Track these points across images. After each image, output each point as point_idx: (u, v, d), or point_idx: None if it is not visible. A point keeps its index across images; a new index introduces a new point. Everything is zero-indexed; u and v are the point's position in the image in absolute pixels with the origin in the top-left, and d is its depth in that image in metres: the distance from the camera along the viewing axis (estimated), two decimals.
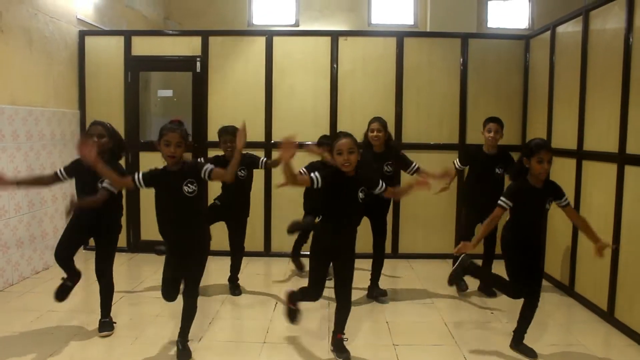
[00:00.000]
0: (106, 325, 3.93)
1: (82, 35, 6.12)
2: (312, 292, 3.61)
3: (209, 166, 3.41)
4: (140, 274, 5.47)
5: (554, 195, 3.59)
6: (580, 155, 4.77)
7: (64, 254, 3.89)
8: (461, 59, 6.05)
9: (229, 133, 4.54)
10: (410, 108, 6.06)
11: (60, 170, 3.81)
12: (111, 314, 4.00)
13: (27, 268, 5.21)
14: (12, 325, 4.02)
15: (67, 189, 5.85)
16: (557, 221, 5.19)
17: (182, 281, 3.59)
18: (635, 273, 3.94)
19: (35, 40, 5.30)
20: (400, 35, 6.05)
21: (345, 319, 3.58)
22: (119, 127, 6.02)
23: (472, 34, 6.17)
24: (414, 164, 4.72)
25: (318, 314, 4.32)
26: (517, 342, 3.72)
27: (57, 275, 5.20)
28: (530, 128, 5.97)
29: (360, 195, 3.43)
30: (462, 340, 3.90)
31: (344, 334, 3.59)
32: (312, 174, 3.39)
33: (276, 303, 4.62)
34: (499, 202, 3.58)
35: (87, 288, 4.97)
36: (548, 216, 5.32)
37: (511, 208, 3.58)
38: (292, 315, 3.70)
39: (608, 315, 4.25)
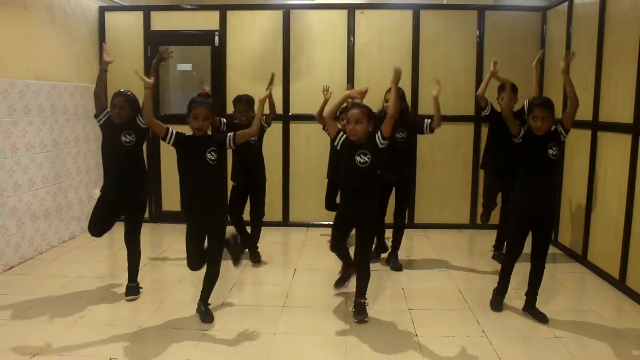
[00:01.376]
0: (133, 289, 4.11)
1: (102, 11, 6.22)
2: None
3: (230, 134, 3.58)
4: (162, 243, 5.64)
5: (555, 139, 3.70)
6: (595, 126, 4.81)
7: (96, 233, 4.11)
8: (477, 31, 6.06)
9: (242, 102, 4.75)
10: (426, 80, 6.09)
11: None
12: (137, 279, 4.19)
13: (55, 237, 5.40)
14: (44, 289, 4.22)
15: (91, 162, 6.02)
16: (571, 191, 5.26)
17: (204, 249, 3.74)
18: None
19: (57, 16, 5.41)
20: (417, 8, 6.06)
21: (363, 285, 3.73)
22: (139, 100, 6.18)
23: (489, 5, 6.14)
24: (426, 122, 4.72)
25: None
26: (529, 306, 3.84)
27: (84, 243, 5.46)
28: None
29: (358, 159, 3.55)
30: (476, 305, 4.02)
31: (365, 299, 3.74)
32: (340, 132, 3.65)
33: (295, 270, 4.77)
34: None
35: (113, 256, 5.17)
36: (562, 186, 5.44)
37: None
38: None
39: (620, 283, 4.34)
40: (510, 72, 6.03)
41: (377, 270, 4.80)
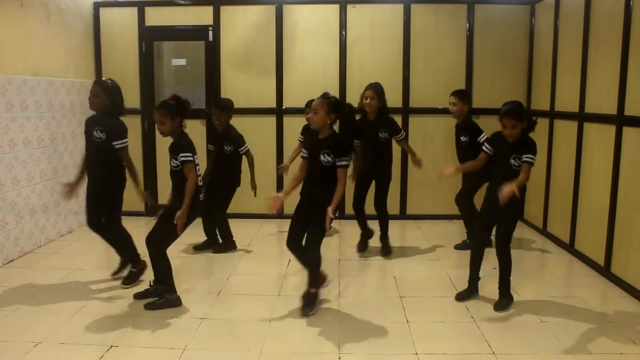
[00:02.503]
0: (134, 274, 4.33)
1: (97, 7, 6.30)
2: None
3: (183, 158, 3.69)
4: None
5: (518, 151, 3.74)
6: (581, 117, 4.92)
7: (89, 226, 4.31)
8: (467, 25, 6.16)
9: (218, 107, 4.92)
10: (417, 73, 6.21)
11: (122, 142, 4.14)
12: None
13: (53, 231, 5.49)
14: (44, 281, 4.33)
15: None
16: (558, 182, 5.38)
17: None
18: (631, 229, 4.14)
19: (53, 12, 5.48)
20: (407, 2, 6.15)
21: (309, 272, 3.85)
22: (135, 96, 6.31)
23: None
24: (402, 133, 4.97)
25: (329, 271, 4.58)
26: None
27: (82, 237, 5.55)
28: (535, 92, 6.11)
29: (322, 157, 3.65)
30: (462, 287, 4.13)
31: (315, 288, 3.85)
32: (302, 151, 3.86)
33: (289, 260, 4.87)
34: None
35: (111, 249, 5.25)
36: (550, 177, 5.56)
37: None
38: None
39: (605, 270, 4.47)
40: (500, 64, 6.20)
41: (370, 259, 4.93)
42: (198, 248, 5.13)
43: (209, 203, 4.56)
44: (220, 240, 5.15)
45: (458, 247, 5.24)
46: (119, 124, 4.14)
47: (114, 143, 4.06)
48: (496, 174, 3.80)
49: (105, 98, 4.05)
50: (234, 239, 5.20)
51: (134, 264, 4.31)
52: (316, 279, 3.85)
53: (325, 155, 3.64)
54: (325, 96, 3.69)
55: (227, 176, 5.04)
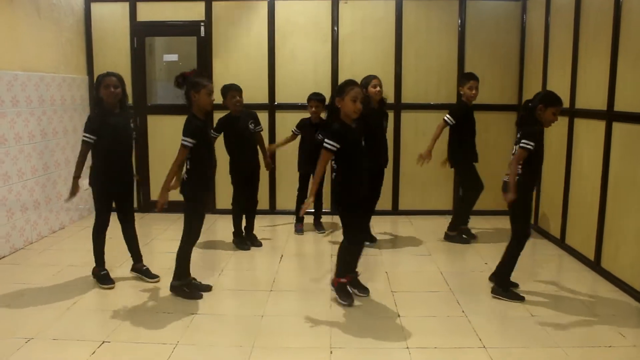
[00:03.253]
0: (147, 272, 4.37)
1: (88, 2, 6.27)
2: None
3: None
4: (150, 232, 5.72)
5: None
6: (572, 113, 4.95)
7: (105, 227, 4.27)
8: (459, 20, 6.18)
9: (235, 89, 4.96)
10: (409, 69, 6.22)
11: (86, 136, 4.09)
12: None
13: (45, 227, 5.48)
14: (36, 278, 4.32)
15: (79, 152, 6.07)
16: (550, 177, 5.41)
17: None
18: (620, 224, 4.17)
19: (43, 8, 5.45)
20: None
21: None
22: (127, 91, 6.25)
23: None
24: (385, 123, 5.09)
25: (322, 268, 4.60)
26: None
27: (74, 233, 5.54)
28: (526, 88, 6.13)
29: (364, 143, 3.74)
30: (456, 287, 4.17)
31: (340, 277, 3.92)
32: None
33: (282, 255, 4.89)
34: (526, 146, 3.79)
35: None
36: (542, 172, 5.60)
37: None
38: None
39: (595, 265, 4.50)
40: (492, 60, 6.22)
41: (363, 255, 4.94)
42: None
43: None
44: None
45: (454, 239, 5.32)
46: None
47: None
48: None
49: (121, 90, 4.10)
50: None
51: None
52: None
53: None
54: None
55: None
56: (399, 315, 3.65)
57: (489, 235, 5.59)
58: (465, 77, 5.16)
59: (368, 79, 4.79)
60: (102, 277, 4.16)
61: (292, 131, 5.51)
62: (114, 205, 4.26)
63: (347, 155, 3.63)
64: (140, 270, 4.33)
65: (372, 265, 4.71)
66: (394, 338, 3.33)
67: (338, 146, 3.58)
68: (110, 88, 4.00)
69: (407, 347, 3.21)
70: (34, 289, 4.09)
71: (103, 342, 3.25)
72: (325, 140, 3.63)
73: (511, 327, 3.52)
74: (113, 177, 4.10)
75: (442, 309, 3.78)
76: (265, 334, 3.39)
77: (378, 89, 4.80)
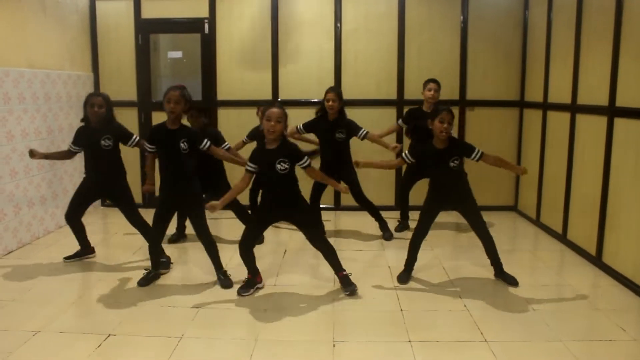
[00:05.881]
0: (164, 264, 4.40)
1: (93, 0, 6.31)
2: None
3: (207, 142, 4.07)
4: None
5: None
6: (574, 108, 4.97)
7: (72, 215, 4.53)
8: (461, 16, 6.19)
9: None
10: (411, 65, 6.25)
11: (71, 146, 4.43)
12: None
13: (52, 223, 5.53)
14: (42, 272, 4.38)
15: None
16: (551, 172, 5.44)
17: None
18: (622, 219, 4.19)
19: (49, 5, 5.49)
20: None
21: (334, 259, 3.98)
22: (132, 88, 6.37)
23: None
24: (362, 130, 5.03)
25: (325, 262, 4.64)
26: (498, 272, 4.23)
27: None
28: (528, 84, 6.15)
29: (278, 166, 3.71)
30: (458, 280, 4.23)
31: (344, 270, 3.98)
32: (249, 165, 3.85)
33: (285, 250, 4.93)
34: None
35: (109, 240, 5.32)
36: (544, 166, 5.62)
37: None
38: None
39: (597, 260, 4.53)
40: (494, 55, 6.24)
41: (363, 250, 5.00)
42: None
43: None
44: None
45: None
46: (123, 127, 4.43)
47: (129, 144, 4.41)
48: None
49: (107, 109, 4.29)
50: None
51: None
52: (338, 263, 3.99)
53: (280, 164, 3.72)
54: (280, 105, 3.80)
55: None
56: (401, 310, 3.68)
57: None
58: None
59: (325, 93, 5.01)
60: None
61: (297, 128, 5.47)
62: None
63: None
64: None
65: (375, 260, 4.75)
66: (396, 332, 3.37)
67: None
68: (94, 107, 4.23)
69: (409, 341, 3.24)
70: (40, 283, 4.15)
71: (109, 335, 3.30)
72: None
73: (513, 321, 3.55)
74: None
75: (444, 303, 3.81)
76: (268, 328, 3.43)
77: (330, 103, 4.94)
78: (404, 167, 5.38)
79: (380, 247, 5.08)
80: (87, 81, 6.26)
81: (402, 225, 5.63)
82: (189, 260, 4.73)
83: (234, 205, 4.94)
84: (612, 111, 4.31)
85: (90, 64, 6.36)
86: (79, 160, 5.95)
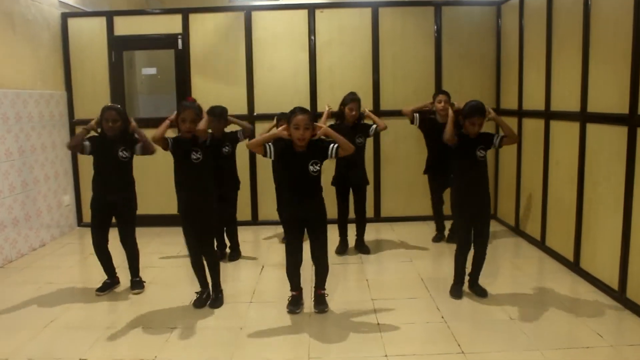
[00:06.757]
0: (137, 283, 4.36)
1: (65, 17, 6.24)
2: (291, 259, 3.89)
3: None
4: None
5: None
6: (548, 115, 4.99)
7: (100, 242, 4.31)
8: (435, 27, 6.22)
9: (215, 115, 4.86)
10: (386, 76, 6.25)
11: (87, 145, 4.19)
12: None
13: (25, 245, 5.43)
14: (14, 297, 4.27)
15: (59, 169, 6.06)
16: (528, 180, 5.45)
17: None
18: (597, 225, 4.20)
19: (18, 24, 5.42)
20: (375, 6, 6.19)
21: (324, 278, 3.89)
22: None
23: (445, 1, 6.29)
24: (372, 126, 5.01)
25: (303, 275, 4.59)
26: (472, 284, 4.17)
27: (54, 250, 5.50)
28: (503, 92, 6.18)
29: (311, 168, 3.66)
30: (436, 293, 4.18)
31: (324, 290, 3.91)
32: (266, 145, 3.67)
33: (262, 266, 4.88)
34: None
35: (84, 261, 5.25)
36: (520, 176, 5.64)
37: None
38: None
39: (574, 266, 4.53)
40: (468, 65, 6.26)
41: (343, 263, 4.96)
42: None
43: (221, 211, 4.55)
44: (228, 249, 5.24)
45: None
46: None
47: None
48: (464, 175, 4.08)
49: (121, 123, 4.16)
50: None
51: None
52: (324, 282, 3.93)
53: (313, 165, 3.67)
54: (305, 110, 3.70)
55: (232, 178, 5.11)
56: (378, 323, 3.64)
57: None
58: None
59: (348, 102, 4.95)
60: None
61: None
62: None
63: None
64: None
65: (354, 273, 4.72)
66: (373, 346, 3.33)
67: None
68: (109, 122, 4.11)
69: (386, 356, 3.20)
70: (12, 308, 4.05)
71: (80, 359, 3.22)
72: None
73: (490, 331, 3.52)
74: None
75: (422, 316, 3.78)
76: (243, 346, 3.38)
77: (354, 112, 4.92)
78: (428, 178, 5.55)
79: (358, 260, 5.04)
80: (60, 100, 6.19)
81: (439, 236, 5.62)
82: (165, 281, 4.65)
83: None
84: (584, 117, 4.33)
85: (63, 82, 6.28)
86: (54, 179, 5.91)
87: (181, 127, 3.82)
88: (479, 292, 4.10)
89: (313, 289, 3.99)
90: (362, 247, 5.23)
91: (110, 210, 4.25)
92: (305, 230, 3.84)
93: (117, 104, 4.43)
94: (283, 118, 4.85)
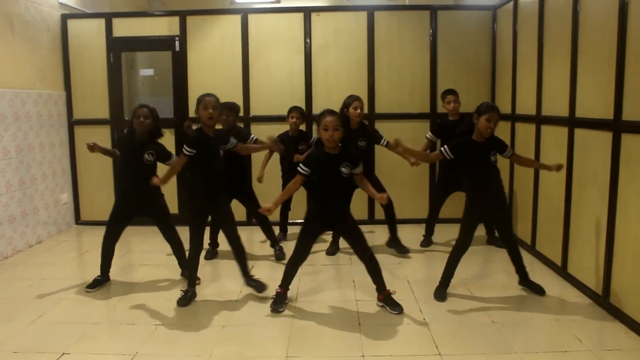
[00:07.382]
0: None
1: (64, 18, 6.33)
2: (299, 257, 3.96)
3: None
4: (128, 244, 5.74)
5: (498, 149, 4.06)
6: (539, 120, 5.01)
7: (112, 236, 4.44)
8: (430, 31, 6.25)
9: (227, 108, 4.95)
10: (382, 79, 6.29)
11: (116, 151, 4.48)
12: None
13: (21, 242, 5.51)
14: (5, 292, 4.35)
15: (57, 167, 6.14)
16: (520, 184, 5.46)
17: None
18: (584, 229, 4.21)
19: (17, 25, 5.51)
20: (371, 9, 6.23)
21: (381, 276, 3.96)
22: (104, 106, 6.36)
23: (441, 6, 6.31)
24: (384, 139, 5.04)
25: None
26: (524, 279, 4.29)
27: (51, 247, 5.58)
28: (498, 96, 6.19)
29: (344, 169, 3.72)
30: (421, 295, 4.20)
31: (389, 289, 3.98)
32: (301, 169, 3.77)
33: (252, 266, 4.92)
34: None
35: (79, 258, 5.31)
36: (513, 181, 5.65)
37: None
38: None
39: (562, 270, 4.54)
40: (464, 69, 6.28)
41: (333, 264, 4.99)
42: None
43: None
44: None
45: None
46: (162, 146, 4.42)
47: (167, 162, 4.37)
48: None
49: (152, 121, 4.24)
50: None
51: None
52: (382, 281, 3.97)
53: (345, 167, 3.73)
54: (334, 111, 3.77)
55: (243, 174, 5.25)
56: (359, 324, 3.68)
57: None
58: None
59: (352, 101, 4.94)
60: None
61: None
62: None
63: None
64: None
65: (340, 274, 4.75)
66: (351, 346, 3.36)
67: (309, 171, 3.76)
68: (140, 118, 4.19)
69: (363, 356, 3.24)
70: (3, 303, 4.12)
71: (63, 354, 3.28)
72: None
73: (470, 334, 3.54)
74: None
75: (404, 317, 3.80)
76: (224, 344, 3.42)
77: (358, 111, 4.93)
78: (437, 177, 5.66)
79: (348, 262, 5.07)
80: (59, 100, 6.28)
81: (427, 241, 5.61)
82: (148, 281, 4.70)
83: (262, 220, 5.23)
84: (572, 122, 4.35)
85: (62, 82, 6.37)
86: (51, 178, 5.99)
87: (202, 115, 4.01)
88: (536, 289, 4.17)
89: (375, 294, 4.02)
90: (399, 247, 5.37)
91: (133, 211, 4.40)
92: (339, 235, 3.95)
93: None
94: (294, 110, 5.32)
